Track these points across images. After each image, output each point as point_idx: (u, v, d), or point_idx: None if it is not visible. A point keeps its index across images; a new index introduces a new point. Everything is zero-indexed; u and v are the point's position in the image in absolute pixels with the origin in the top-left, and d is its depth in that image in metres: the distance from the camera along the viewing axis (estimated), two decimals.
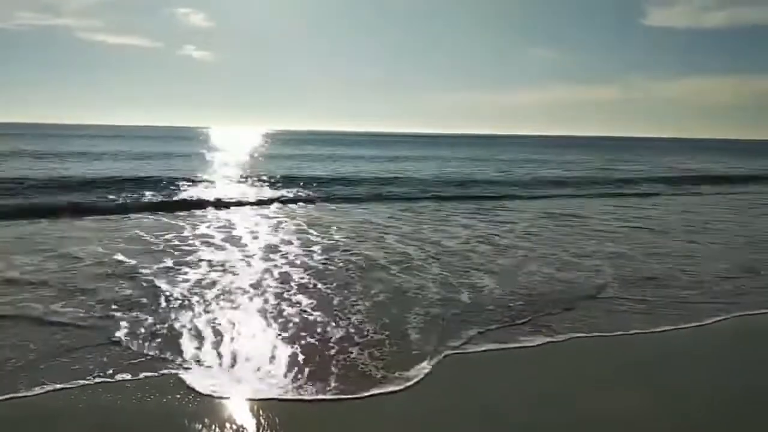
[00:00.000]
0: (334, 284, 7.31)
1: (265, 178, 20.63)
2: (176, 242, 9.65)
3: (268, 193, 17.21)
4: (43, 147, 35.76)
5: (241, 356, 5.12)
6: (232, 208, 14.44)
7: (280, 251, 9.18)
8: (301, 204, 15.34)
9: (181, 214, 13.15)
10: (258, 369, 4.88)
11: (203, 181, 19.55)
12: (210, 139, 73.97)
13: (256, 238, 10.43)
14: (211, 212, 13.58)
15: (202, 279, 7.44)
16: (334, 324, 5.93)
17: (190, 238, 10.12)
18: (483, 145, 75.09)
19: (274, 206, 14.90)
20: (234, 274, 7.72)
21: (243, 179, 20.60)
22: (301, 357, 5.14)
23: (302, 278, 7.58)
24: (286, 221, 12.37)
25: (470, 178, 23.76)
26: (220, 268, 7.97)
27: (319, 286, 7.25)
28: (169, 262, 8.14)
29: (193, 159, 31.71)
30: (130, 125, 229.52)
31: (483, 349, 5.36)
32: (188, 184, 18.23)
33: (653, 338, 5.75)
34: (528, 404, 4.32)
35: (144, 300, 6.49)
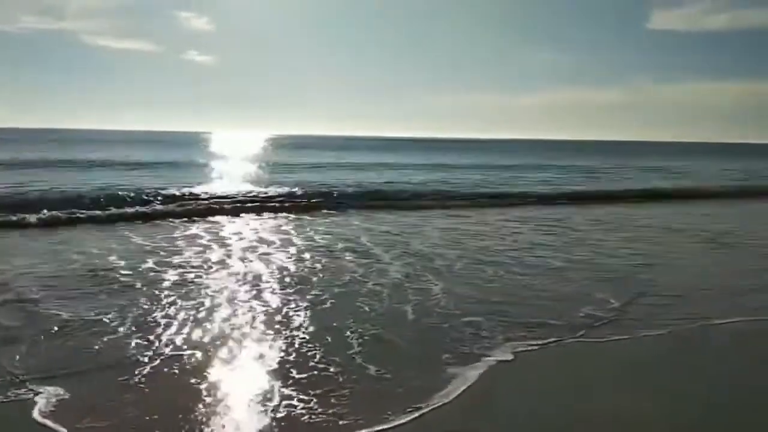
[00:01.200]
0: (308, 301, 6.74)
1: (263, 186, 20.28)
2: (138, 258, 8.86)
3: (262, 200, 16.77)
4: (39, 154, 35.41)
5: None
6: (223, 217, 14.15)
7: (254, 256, 9.06)
8: (294, 213, 15.00)
9: (171, 222, 13.01)
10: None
11: (198, 189, 19.08)
12: (213, 144, 73.93)
13: (235, 244, 10.30)
14: (199, 221, 13.35)
15: (153, 290, 7.00)
16: (287, 354, 5.08)
17: (170, 247, 9.89)
18: (484, 150, 74.94)
19: (265, 215, 14.66)
20: (194, 284, 7.37)
21: (238, 187, 20.26)
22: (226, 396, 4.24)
23: (266, 286, 7.34)
24: (271, 229, 12.24)
25: (474, 184, 23.70)
26: (184, 277, 7.68)
27: (279, 291, 7.07)
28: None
29: (193, 167, 30.94)
30: (133, 130, 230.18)
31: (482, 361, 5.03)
32: (183, 192, 17.88)
33: (654, 339, 5.75)
34: (529, 405, 4.32)
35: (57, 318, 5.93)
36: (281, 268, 8.35)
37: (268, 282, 7.58)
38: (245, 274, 8.00)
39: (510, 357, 5.19)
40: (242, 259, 8.93)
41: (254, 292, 7.11)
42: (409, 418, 4.00)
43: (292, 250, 9.77)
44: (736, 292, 7.70)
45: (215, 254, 9.31)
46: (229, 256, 9.16)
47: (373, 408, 4.12)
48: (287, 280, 7.71)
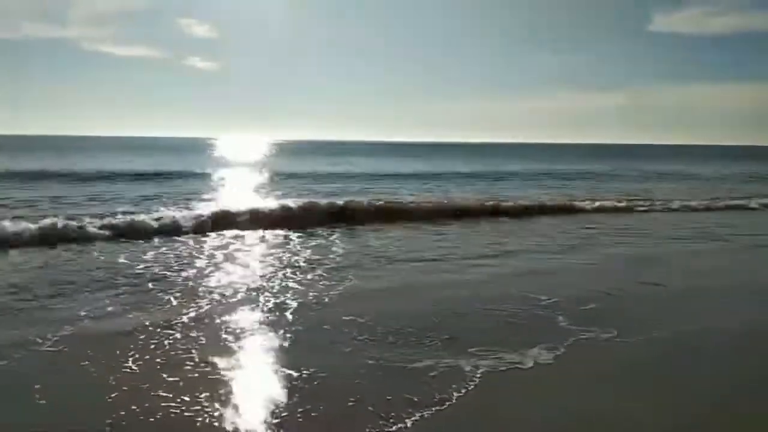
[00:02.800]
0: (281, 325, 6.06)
1: (261, 198, 19.70)
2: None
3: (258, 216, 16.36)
4: (39, 163, 34.67)
5: None
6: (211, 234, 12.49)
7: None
8: (287, 228, 13.42)
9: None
10: None
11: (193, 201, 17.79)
12: (215, 150, 73.81)
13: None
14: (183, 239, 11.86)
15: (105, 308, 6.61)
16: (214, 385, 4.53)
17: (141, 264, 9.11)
18: (485, 154, 74.86)
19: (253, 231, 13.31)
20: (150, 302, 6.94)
21: (236, 198, 19.58)
22: None
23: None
24: (251, 242, 11.47)
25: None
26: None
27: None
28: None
29: (193, 177, 29.49)
30: (136, 136, 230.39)
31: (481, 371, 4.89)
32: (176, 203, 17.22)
33: (654, 339, 5.79)
34: (528, 404, 4.39)
35: None
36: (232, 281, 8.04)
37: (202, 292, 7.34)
38: (185, 285, 7.70)
39: (505, 361, 5.16)
40: (193, 271, 8.54)
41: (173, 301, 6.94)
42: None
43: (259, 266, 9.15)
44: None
45: (173, 266, 8.90)
46: (184, 269, 8.72)
47: None
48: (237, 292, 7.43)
